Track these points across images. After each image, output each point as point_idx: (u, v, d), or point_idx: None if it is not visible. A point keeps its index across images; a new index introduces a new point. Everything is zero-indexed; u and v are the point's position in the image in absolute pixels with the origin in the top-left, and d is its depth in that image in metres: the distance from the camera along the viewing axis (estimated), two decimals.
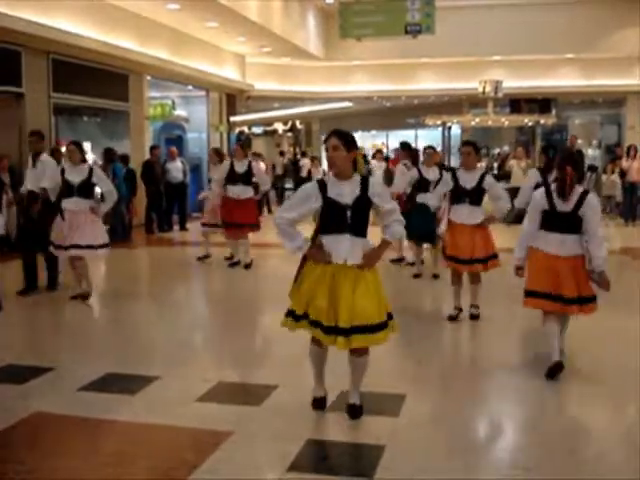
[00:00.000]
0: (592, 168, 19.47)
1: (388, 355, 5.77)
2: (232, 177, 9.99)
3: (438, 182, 8.62)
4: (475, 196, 6.84)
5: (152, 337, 6.69)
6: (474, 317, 6.99)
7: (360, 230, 4.32)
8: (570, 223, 5.07)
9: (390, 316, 4.35)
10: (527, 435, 4.33)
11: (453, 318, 6.97)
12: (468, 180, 6.85)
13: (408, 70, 22.24)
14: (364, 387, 4.78)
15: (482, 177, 6.85)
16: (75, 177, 7.74)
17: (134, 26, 14.29)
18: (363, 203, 4.30)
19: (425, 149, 9.67)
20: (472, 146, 6.96)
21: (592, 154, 23.66)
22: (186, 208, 15.68)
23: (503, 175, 16.88)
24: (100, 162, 13.03)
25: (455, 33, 18.71)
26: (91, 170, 7.89)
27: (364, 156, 11.90)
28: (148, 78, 15.78)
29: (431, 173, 9.18)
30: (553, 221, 5.14)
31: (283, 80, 21.90)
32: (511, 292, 8.92)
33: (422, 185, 9.15)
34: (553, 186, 5.18)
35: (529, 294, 5.29)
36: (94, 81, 13.68)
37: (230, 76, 19.32)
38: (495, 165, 19.28)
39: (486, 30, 19.41)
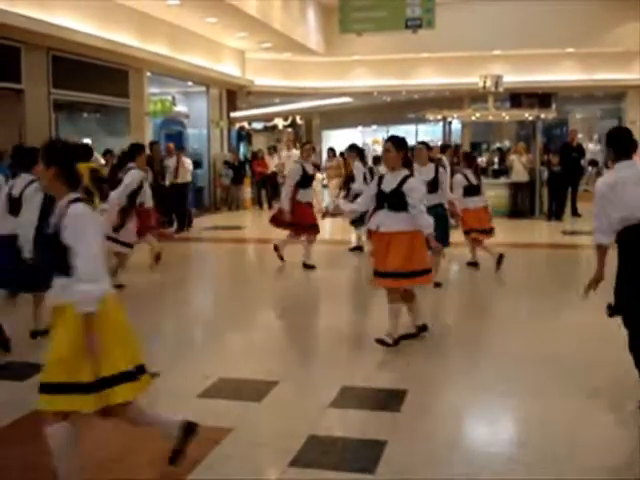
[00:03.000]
0: (593, 163, 19.47)
1: (389, 351, 5.77)
2: (306, 180, 9.64)
3: (432, 182, 7.90)
4: (393, 200, 5.81)
5: (152, 333, 6.69)
6: (422, 330, 6.16)
7: None
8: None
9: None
10: (529, 431, 4.33)
11: (384, 343, 5.84)
12: (389, 182, 5.86)
13: (408, 65, 22.20)
14: (365, 382, 4.80)
15: (404, 179, 5.79)
16: None
17: (134, 22, 14.26)
18: None
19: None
20: (392, 142, 5.86)
21: (592, 148, 23.65)
22: (187, 205, 15.62)
23: (504, 170, 16.91)
24: (102, 160, 12.96)
25: (455, 28, 18.66)
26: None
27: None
28: (148, 74, 15.76)
29: (423, 173, 8.01)
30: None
31: (283, 76, 21.88)
32: (511, 286, 8.96)
33: None
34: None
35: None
36: (94, 77, 13.66)
37: (230, 72, 19.30)
38: (496, 160, 19.26)
39: (486, 25, 19.37)
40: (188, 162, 14.92)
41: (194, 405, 4.67)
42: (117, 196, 8.28)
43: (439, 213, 7.78)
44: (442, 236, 8.00)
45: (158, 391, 4.94)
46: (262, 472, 3.85)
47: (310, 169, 9.76)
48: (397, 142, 5.83)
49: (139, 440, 4.18)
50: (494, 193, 15.80)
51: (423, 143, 8.64)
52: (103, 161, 12.86)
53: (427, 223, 5.74)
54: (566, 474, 3.68)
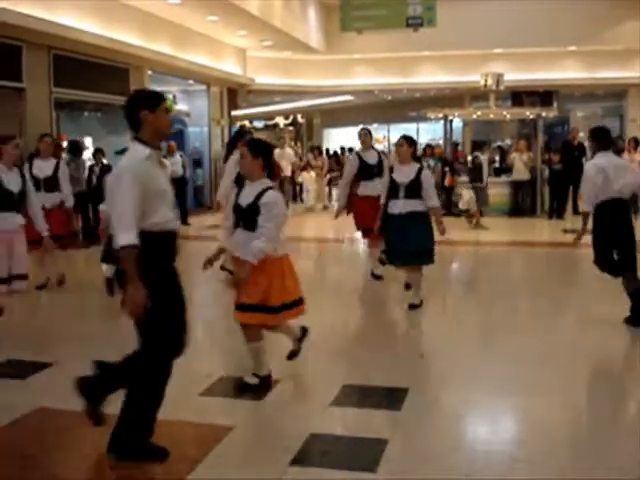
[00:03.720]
0: None
1: (390, 349, 5.77)
2: (365, 171, 8.48)
3: (412, 185, 6.92)
4: (249, 217, 4.72)
5: None
6: (245, 387, 4.91)
7: None
8: None
9: None
10: (530, 430, 4.33)
11: (247, 386, 4.91)
12: (247, 195, 4.82)
13: (409, 63, 22.19)
14: (366, 381, 4.78)
15: (262, 192, 4.69)
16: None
17: (135, 20, 14.26)
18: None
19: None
20: (247, 146, 4.86)
21: None
22: (186, 203, 15.58)
23: (505, 169, 16.88)
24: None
25: (456, 26, 18.65)
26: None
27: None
28: (149, 72, 15.76)
29: (403, 174, 7.04)
30: None
31: (284, 74, 21.87)
32: (512, 284, 8.95)
33: (391, 190, 7.12)
34: None
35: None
36: (95, 76, 13.65)
37: (231, 70, 19.30)
38: (497, 158, 19.23)
39: (487, 23, 19.36)
40: (166, 163, 14.07)
41: (195, 404, 4.67)
42: (224, 186, 7.96)
43: (421, 223, 6.94)
44: (425, 250, 7.02)
45: None
46: (263, 471, 3.85)
47: (372, 158, 8.56)
48: (253, 146, 4.81)
49: None
50: (495, 191, 15.82)
51: (405, 137, 7.24)
52: (92, 160, 12.80)
53: (256, 250, 4.57)
54: (567, 473, 3.68)
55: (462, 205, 14.21)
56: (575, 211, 15.84)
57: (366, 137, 8.79)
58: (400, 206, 6.94)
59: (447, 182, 16.33)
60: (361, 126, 10.17)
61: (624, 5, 18.70)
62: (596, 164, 6.45)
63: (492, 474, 3.66)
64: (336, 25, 17.31)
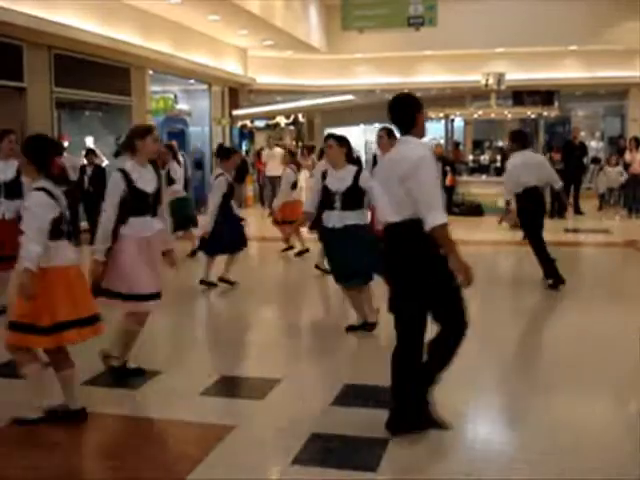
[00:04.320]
0: (595, 160, 19.46)
1: (391, 349, 5.76)
2: None
3: (349, 193, 5.95)
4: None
5: (154, 331, 6.69)
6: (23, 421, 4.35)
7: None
8: None
9: None
10: (531, 429, 4.32)
11: (22, 421, 4.35)
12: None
13: (410, 63, 22.18)
14: (367, 380, 4.76)
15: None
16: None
17: (136, 20, 14.26)
18: None
19: (325, 139, 6.36)
20: (24, 146, 4.39)
21: (595, 146, 23.61)
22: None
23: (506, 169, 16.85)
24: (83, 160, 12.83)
25: (458, 25, 18.65)
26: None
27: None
28: (150, 72, 15.76)
29: (336, 180, 6.05)
30: None
31: (285, 73, 21.87)
32: (513, 284, 8.94)
33: (325, 199, 6.12)
34: None
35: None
36: (96, 75, 13.66)
37: (232, 70, 19.30)
38: (498, 157, 19.22)
39: (489, 22, 19.34)
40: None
41: (196, 403, 4.68)
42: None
43: (364, 237, 5.90)
44: (371, 266, 5.80)
45: (161, 389, 4.95)
46: (264, 470, 3.85)
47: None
48: (24, 146, 4.38)
49: (139, 440, 4.18)
50: (496, 191, 15.80)
51: (333, 137, 6.24)
52: (85, 160, 12.73)
53: (21, 258, 4.09)
54: (568, 473, 3.67)
55: None
56: (576, 211, 15.84)
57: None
58: (335, 219, 6.00)
59: (448, 182, 16.33)
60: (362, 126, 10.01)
61: (625, 5, 18.68)
62: (514, 162, 8.14)
63: (492, 474, 3.66)
64: (337, 24, 17.30)
